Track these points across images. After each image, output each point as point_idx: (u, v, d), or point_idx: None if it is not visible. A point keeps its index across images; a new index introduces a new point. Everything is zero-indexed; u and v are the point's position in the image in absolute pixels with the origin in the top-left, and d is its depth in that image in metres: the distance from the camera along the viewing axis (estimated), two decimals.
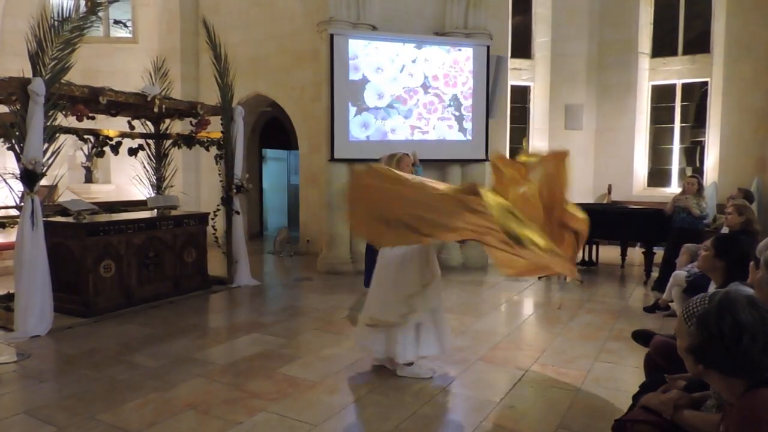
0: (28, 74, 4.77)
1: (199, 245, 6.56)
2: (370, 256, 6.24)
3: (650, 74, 10.65)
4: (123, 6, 10.59)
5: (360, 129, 7.84)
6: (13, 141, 4.80)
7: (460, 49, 8.17)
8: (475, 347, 4.50)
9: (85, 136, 6.57)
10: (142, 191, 7.52)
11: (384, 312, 3.81)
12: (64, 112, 5.32)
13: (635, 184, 10.71)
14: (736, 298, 1.56)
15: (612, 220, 7.57)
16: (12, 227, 5.17)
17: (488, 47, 8.28)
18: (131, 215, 6.33)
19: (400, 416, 3.24)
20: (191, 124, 7.02)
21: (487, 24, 8.33)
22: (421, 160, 6.59)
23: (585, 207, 8.94)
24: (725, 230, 5.41)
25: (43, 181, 4.95)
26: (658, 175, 10.80)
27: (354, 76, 7.75)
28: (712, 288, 3.13)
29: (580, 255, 8.46)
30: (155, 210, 6.83)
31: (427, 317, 3.86)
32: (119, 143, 6.86)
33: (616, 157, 10.77)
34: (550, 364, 4.12)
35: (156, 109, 6.21)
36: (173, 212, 6.71)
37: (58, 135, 5.11)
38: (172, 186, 7.63)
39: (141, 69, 7.74)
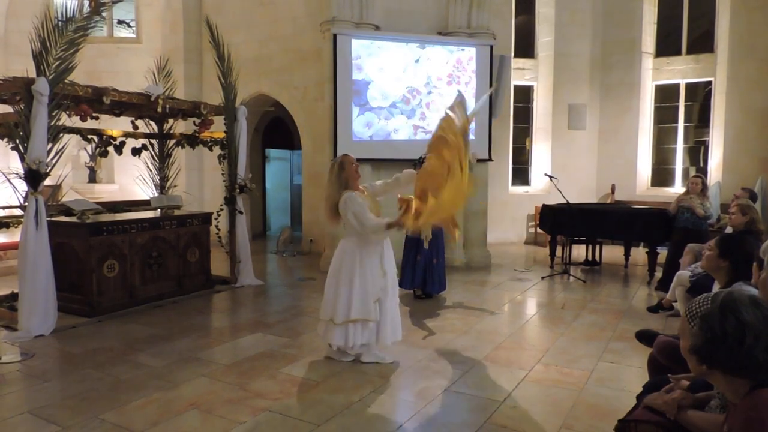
0: (32, 74, 4.79)
1: (202, 245, 6.57)
2: (407, 254, 6.19)
3: (654, 74, 10.63)
4: (126, 6, 10.63)
5: (363, 128, 7.84)
6: (17, 141, 4.81)
7: (463, 49, 8.16)
8: (479, 347, 4.50)
9: (89, 136, 6.59)
10: (145, 191, 7.55)
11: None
12: (67, 112, 5.34)
13: (639, 183, 10.69)
14: (739, 298, 1.56)
15: (615, 220, 7.57)
16: (16, 227, 5.18)
17: (491, 47, 8.27)
18: (135, 215, 6.34)
19: (403, 416, 3.25)
20: (194, 124, 7.04)
21: (491, 24, 8.33)
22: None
23: (588, 207, 8.90)
24: (729, 230, 5.40)
25: (47, 181, 4.96)
26: (661, 175, 10.77)
27: (357, 75, 7.75)
28: (715, 288, 3.12)
29: (583, 255, 8.46)
30: (158, 210, 6.84)
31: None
32: (123, 143, 6.89)
33: (619, 157, 10.75)
34: (554, 364, 4.11)
35: (159, 109, 6.23)
36: (176, 212, 6.72)
37: (61, 135, 5.12)
38: (175, 186, 7.65)
39: (144, 69, 7.76)
